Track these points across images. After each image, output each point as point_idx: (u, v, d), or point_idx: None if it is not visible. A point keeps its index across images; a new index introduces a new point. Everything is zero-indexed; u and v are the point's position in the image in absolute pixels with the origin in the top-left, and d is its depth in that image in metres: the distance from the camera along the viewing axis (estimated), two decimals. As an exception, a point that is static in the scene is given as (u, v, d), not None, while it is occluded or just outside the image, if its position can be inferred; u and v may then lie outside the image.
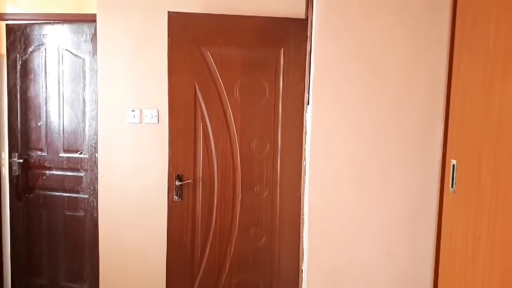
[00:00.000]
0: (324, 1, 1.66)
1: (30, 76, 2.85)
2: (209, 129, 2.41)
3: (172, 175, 2.37)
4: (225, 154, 2.42)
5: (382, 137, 1.68)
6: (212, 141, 2.41)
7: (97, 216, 2.70)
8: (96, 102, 2.69)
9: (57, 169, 2.85)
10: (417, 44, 1.65)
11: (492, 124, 1.23)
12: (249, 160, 2.43)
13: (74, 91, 2.79)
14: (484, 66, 1.30)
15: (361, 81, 1.67)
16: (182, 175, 2.38)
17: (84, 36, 2.74)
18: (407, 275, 1.71)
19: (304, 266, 1.77)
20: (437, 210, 1.67)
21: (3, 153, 2.99)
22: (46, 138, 2.86)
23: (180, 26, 2.32)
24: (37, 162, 2.89)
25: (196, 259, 2.45)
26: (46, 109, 2.84)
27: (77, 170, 2.82)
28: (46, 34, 2.81)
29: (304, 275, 1.77)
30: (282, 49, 2.39)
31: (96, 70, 2.66)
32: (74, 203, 2.84)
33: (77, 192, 2.83)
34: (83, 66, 2.77)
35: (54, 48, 2.80)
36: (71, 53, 2.77)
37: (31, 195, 2.92)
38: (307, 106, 2.07)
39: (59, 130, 2.83)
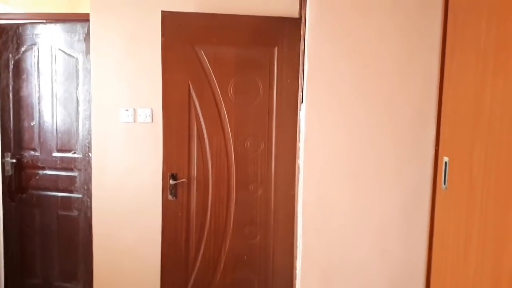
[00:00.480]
0: (318, 1, 1.67)
1: (23, 76, 2.83)
2: (203, 128, 2.41)
3: (166, 174, 2.37)
4: (220, 153, 2.43)
5: (375, 135, 1.69)
6: (206, 140, 2.41)
7: (91, 215, 2.69)
8: (89, 101, 2.68)
9: (50, 168, 2.84)
10: (410, 42, 1.66)
11: (483, 121, 1.24)
12: (243, 159, 2.44)
13: (67, 91, 2.77)
14: (475, 64, 1.31)
15: (354, 80, 1.68)
16: (176, 174, 2.38)
17: (77, 35, 2.73)
18: (400, 271, 1.72)
19: (299, 264, 1.78)
20: (430, 207, 1.68)
21: (-5, 153, 2.97)
22: (39, 138, 2.84)
23: (174, 25, 2.31)
24: (30, 162, 2.87)
25: (190, 257, 2.45)
26: (39, 108, 2.82)
27: (71, 169, 2.81)
28: (39, 34, 2.79)
29: (299, 273, 1.77)
30: (276, 48, 2.39)
31: (90, 70, 2.65)
32: (67, 203, 2.83)
33: (71, 191, 2.82)
34: (76, 66, 2.75)
35: (47, 47, 2.78)
36: (64, 52, 2.76)
37: (24, 195, 2.90)
38: (301, 105, 2.07)
39: (52, 129, 2.81)
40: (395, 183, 1.70)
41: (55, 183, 2.84)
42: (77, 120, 2.77)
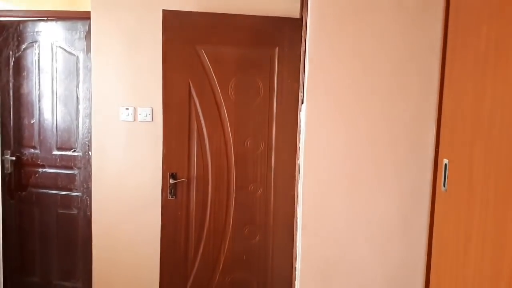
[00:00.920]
0: (319, 1, 1.67)
1: (23, 73, 2.83)
2: (204, 128, 2.41)
3: (166, 173, 2.37)
4: (219, 152, 2.43)
5: (375, 136, 1.69)
6: (206, 140, 2.41)
7: (91, 214, 2.69)
8: (89, 99, 2.68)
9: (50, 167, 2.84)
10: (410, 44, 1.66)
11: (483, 123, 1.24)
12: (243, 159, 2.44)
13: (67, 89, 2.77)
14: (476, 66, 1.31)
15: (355, 81, 1.68)
16: (176, 173, 2.38)
17: (78, 33, 2.73)
18: (399, 273, 1.72)
19: (298, 264, 1.78)
20: (429, 208, 1.68)
21: (-5, 151, 2.97)
22: (39, 135, 2.84)
23: (175, 24, 2.31)
24: (30, 160, 2.87)
25: (189, 257, 2.45)
26: (39, 106, 2.82)
27: (71, 168, 2.81)
28: (40, 31, 2.79)
29: (298, 273, 1.78)
30: (277, 48, 2.40)
31: (90, 68, 2.65)
32: (67, 201, 2.83)
33: (70, 190, 2.82)
34: (76, 64, 2.75)
35: (47, 45, 2.78)
36: (65, 50, 2.76)
37: (23, 193, 2.90)
38: (301, 105, 2.07)
39: (52, 127, 2.81)
40: (395, 184, 1.70)
41: (55, 181, 2.84)
42: (77, 118, 2.77)
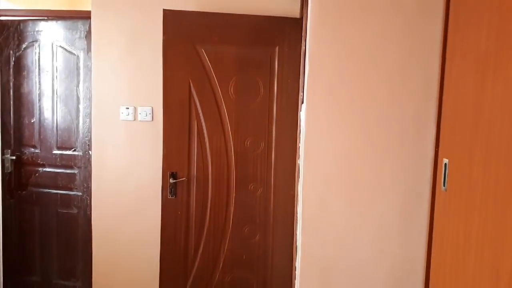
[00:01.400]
0: (319, 1, 1.67)
1: (24, 73, 2.83)
2: (204, 127, 2.41)
3: (166, 172, 2.37)
4: (219, 152, 2.43)
5: (375, 135, 1.69)
6: (206, 139, 2.41)
7: (91, 213, 2.69)
8: (90, 99, 2.68)
9: (50, 166, 2.84)
10: (410, 44, 1.66)
11: (483, 123, 1.24)
12: (243, 158, 2.44)
13: (68, 88, 2.77)
14: (476, 66, 1.32)
15: (355, 80, 1.68)
16: (176, 172, 2.38)
17: (79, 33, 2.73)
18: (399, 272, 1.72)
19: (298, 263, 1.78)
20: (429, 208, 1.69)
21: (-5, 150, 2.97)
22: (40, 135, 2.84)
23: (175, 23, 2.31)
24: (30, 159, 2.87)
25: (189, 256, 2.45)
26: (40, 105, 2.82)
27: (71, 167, 2.81)
28: (40, 31, 2.79)
29: (298, 272, 1.78)
30: (277, 48, 2.40)
31: (90, 67, 2.65)
32: (67, 201, 2.83)
33: (70, 189, 2.82)
34: (77, 63, 2.75)
35: (48, 44, 2.78)
36: (65, 49, 2.76)
37: (23, 192, 2.90)
38: (301, 105, 2.07)
39: (53, 127, 2.81)
40: (395, 183, 1.70)
41: (55, 181, 2.84)
42: (77, 118, 2.77)
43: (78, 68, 2.75)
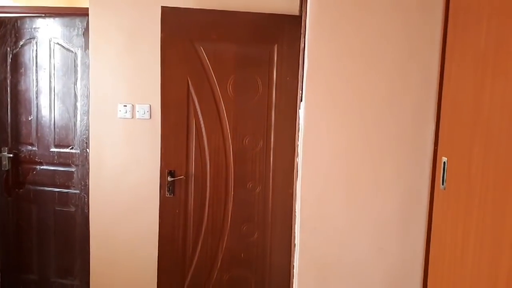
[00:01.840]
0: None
1: (21, 70, 2.81)
2: (202, 125, 2.40)
3: (164, 171, 2.36)
4: (218, 150, 2.42)
5: (374, 134, 1.69)
6: (204, 137, 2.41)
7: (88, 211, 2.68)
8: (87, 96, 2.67)
9: (47, 164, 2.83)
10: (409, 42, 1.66)
11: (482, 122, 1.24)
12: (242, 157, 2.43)
13: (65, 86, 2.76)
14: (475, 65, 1.31)
15: (354, 78, 1.68)
16: (174, 171, 2.38)
17: (76, 30, 2.71)
18: (397, 270, 1.72)
19: (296, 262, 1.78)
20: (428, 206, 1.68)
21: (-8, 148, 2.96)
22: (37, 132, 2.83)
23: (174, 21, 2.30)
24: (27, 157, 2.86)
25: (187, 255, 2.45)
26: (37, 103, 2.81)
27: (68, 165, 2.80)
28: (38, 28, 2.77)
29: (296, 271, 1.77)
30: (276, 46, 2.39)
31: (88, 65, 2.63)
32: (64, 199, 2.82)
33: (68, 187, 2.81)
34: (75, 60, 2.74)
35: (45, 41, 2.76)
36: (63, 47, 2.74)
37: (21, 190, 2.89)
38: (300, 103, 2.07)
39: (50, 124, 2.80)
40: (393, 182, 1.70)
41: (52, 179, 2.83)
42: (75, 115, 2.76)
43: (75, 66, 2.74)
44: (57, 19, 2.74)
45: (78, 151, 2.77)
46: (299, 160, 1.78)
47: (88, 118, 2.67)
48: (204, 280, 2.47)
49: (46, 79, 2.78)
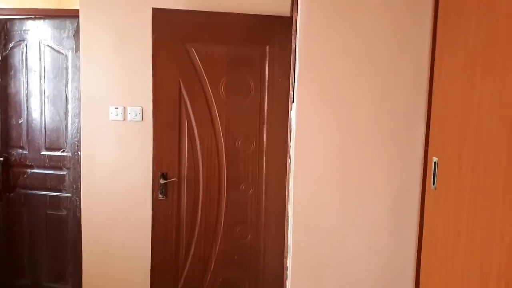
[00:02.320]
0: (309, 0, 1.66)
1: (11, 73, 2.79)
2: (194, 127, 2.39)
3: (156, 173, 2.35)
4: (210, 152, 2.41)
5: (365, 134, 1.69)
6: (197, 139, 2.40)
7: (80, 215, 2.66)
8: (78, 99, 2.65)
9: (38, 167, 2.80)
10: (400, 42, 1.67)
11: (471, 122, 1.25)
12: (234, 158, 2.43)
13: (56, 88, 2.74)
14: (464, 65, 1.32)
15: (345, 79, 1.68)
16: (166, 173, 2.36)
17: (67, 32, 2.69)
18: (390, 270, 1.73)
19: (289, 263, 1.77)
20: (419, 206, 1.69)
21: (-18, 151, 2.92)
22: (27, 136, 2.80)
23: (165, 22, 2.29)
24: (18, 160, 2.83)
25: (181, 257, 2.43)
26: (27, 106, 2.78)
27: (60, 168, 2.77)
28: (27, 30, 2.75)
29: (289, 272, 1.77)
30: (268, 47, 2.39)
31: (79, 67, 2.61)
32: (56, 202, 2.79)
33: (60, 190, 2.79)
34: (65, 63, 2.71)
35: (35, 44, 2.74)
36: (53, 49, 2.72)
37: (12, 194, 2.86)
38: (292, 104, 2.07)
39: (41, 127, 2.77)
40: (385, 182, 1.70)
41: (44, 182, 2.80)
42: (66, 118, 2.74)
43: (66, 68, 2.71)
44: (47, 21, 2.72)
45: (70, 154, 2.75)
46: (291, 161, 1.78)
47: (79, 121, 2.65)
48: (198, 283, 2.46)
49: (36, 82, 2.76)
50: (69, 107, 2.72)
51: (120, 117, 2.56)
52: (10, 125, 2.82)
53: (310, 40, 1.68)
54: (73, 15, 2.62)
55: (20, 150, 2.82)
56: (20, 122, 2.80)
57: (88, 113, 2.59)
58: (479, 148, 1.19)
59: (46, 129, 2.77)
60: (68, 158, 2.76)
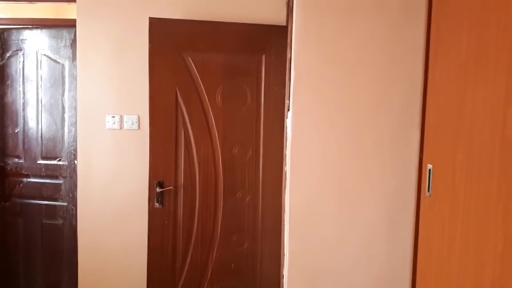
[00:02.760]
0: (303, 9, 1.69)
1: (8, 82, 2.79)
2: (191, 135, 2.40)
3: (152, 182, 2.35)
4: (207, 160, 2.42)
5: (361, 141, 1.70)
6: (193, 147, 2.40)
7: (76, 224, 2.65)
8: (75, 108, 2.65)
9: (34, 176, 2.79)
10: (394, 50, 1.69)
11: (465, 129, 1.26)
12: (231, 166, 2.43)
13: (53, 97, 2.74)
14: (457, 73, 1.34)
15: (340, 87, 1.70)
16: (163, 181, 2.36)
17: (64, 41, 2.71)
18: (386, 277, 1.73)
19: (285, 271, 1.77)
20: (415, 213, 1.70)
21: (-22, 161, 2.91)
22: (24, 145, 2.79)
23: (161, 32, 2.31)
24: (14, 170, 2.82)
25: (177, 266, 2.42)
26: (24, 115, 2.78)
27: (56, 177, 2.77)
28: (25, 39, 2.76)
29: (285, 280, 1.77)
30: (264, 55, 2.41)
31: (76, 76, 2.62)
32: (52, 211, 2.78)
33: (56, 199, 2.78)
34: (62, 72, 2.72)
35: (32, 53, 2.75)
36: (50, 58, 2.73)
37: (7, 203, 2.85)
38: (287, 112, 2.08)
39: (37, 136, 2.77)
40: (380, 189, 1.71)
41: (40, 191, 2.79)
42: (62, 127, 2.74)
43: (63, 77, 2.72)
44: (44, 30, 2.73)
45: (66, 163, 2.75)
46: (287, 168, 1.79)
47: (76, 130, 2.65)
48: (195, 292, 2.44)
49: (33, 91, 2.76)
50: (66, 116, 2.73)
51: (116, 126, 2.56)
52: (7, 134, 2.81)
53: (305, 49, 1.70)
54: (70, 24, 2.64)
55: (16, 159, 2.82)
56: (16, 131, 2.80)
57: (84, 122, 2.59)
58: (472, 156, 1.20)
59: (43, 138, 2.77)
60: (65, 167, 2.75)
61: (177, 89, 2.37)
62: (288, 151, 1.79)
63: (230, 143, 2.43)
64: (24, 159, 2.80)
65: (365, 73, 1.69)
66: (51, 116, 2.75)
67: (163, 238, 2.39)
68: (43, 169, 2.78)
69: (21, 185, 2.82)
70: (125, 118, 2.56)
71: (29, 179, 2.80)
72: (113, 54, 2.55)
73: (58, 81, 2.73)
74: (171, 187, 2.38)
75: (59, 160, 2.76)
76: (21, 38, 2.76)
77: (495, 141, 1.08)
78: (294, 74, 1.71)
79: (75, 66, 2.64)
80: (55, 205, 2.78)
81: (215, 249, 2.44)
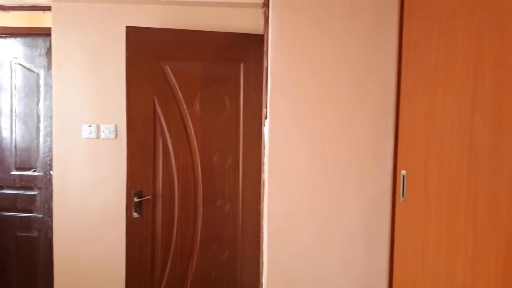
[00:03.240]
0: (279, 18, 1.70)
1: (-20, 91, 2.72)
2: (169, 144, 2.38)
3: (130, 191, 2.31)
4: (186, 168, 2.40)
5: (336, 149, 1.72)
6: (172, 156, 2.38)
7: (52, 235, 2.58)
8: (51, 117, 2.60)
9: (8, 187, 2.72)
10: (368, 58, 1.71)
11: (435, 136, 1.29)
12: (210, 174, 2.42)
13: (27, 107, 2.69)
14: (427, 81, 1.37)
15: (315, 95, 1.71)
16: (141, 191, 2.33)
17: (39, 50, 2.66)
18: (364, 282, 1.74)
19: (264, 279, 1.76)
20: (390, 219, 1.72)
21: (-51, 172, 2.82)
22: (-3, 155, 2.72)
23: (139, 40, 2.30)
24: (-14, 181, 2.74)
25: (156, 277, 2.39)
26: (-3, 125, 2.71)
27: (31, 188, 2.70)
28: (-2, 48, 2.70)
29: (264, 289, 1.76)
30: (242, 64, 2.42)
31: (51, 85, 2.58)
32: (27, 223, 2.71)
33: (31, 211, 2.71)
34: (37, 81, 2.67)
35: (6, 62, 2.69)
36: (25, 67, 2.68)
37: (-20, 216, 2.76)
38: (265, 120, 2.09)
39: (11, 147, 2.70)
40: (356, 196, 1.73)
41: (14, 203, 2.72)
42: (37, 137, 2.68)
43: (38, 86, 2.67)
44: (18, 39, 2.68)
45: (41, 173, 2.68)
46: (265, 176, 1.79)
47: (51, 139, 2.60)
48: (174, 302, 2.41)
49: (7, 100, 2.70)
50: (41, 125, 2.67)
51: (93, 135, 2.52)
52: (-21, 144, 2.74)
53: (280, 58, 1.72)
54: (45, 33, 2.60)
55: (-11, 171, 2.74)
56: (-11, 141, 2.72)
57: (60, 132, 2.54)
58: (443, 161, 1.23)
59: (17, 148, 2.70)
60: (40, 178, 2.69)
61: (155, 98, 2.35)
62: (266, 159, 1.79)
63: (209, 151, 2.42)
64: (-3, 170, 2.73)
65: (340, 81, 1.72)
66: (26, 126, 2.69)
67: (142, 248, 2.35)
68: (17, 180, 2.71)
69: (-6, 197, 2.74)
70: (102, 127, 2.52)
71: (2, 191, 2.73)
72: (90, 62, 2.52)
73: (33, 90, 2.68)
74: (149, 197, 2.35)
75: (34, 170, 2.69)
76: (-6, 46, 2.70)
77: (463, 147, 1.11)
78: (271, 82, 1.72)
79: (50, 75, 2.60)
80: (30, 217, 2.71)
81: (195, 258, 2.42)
